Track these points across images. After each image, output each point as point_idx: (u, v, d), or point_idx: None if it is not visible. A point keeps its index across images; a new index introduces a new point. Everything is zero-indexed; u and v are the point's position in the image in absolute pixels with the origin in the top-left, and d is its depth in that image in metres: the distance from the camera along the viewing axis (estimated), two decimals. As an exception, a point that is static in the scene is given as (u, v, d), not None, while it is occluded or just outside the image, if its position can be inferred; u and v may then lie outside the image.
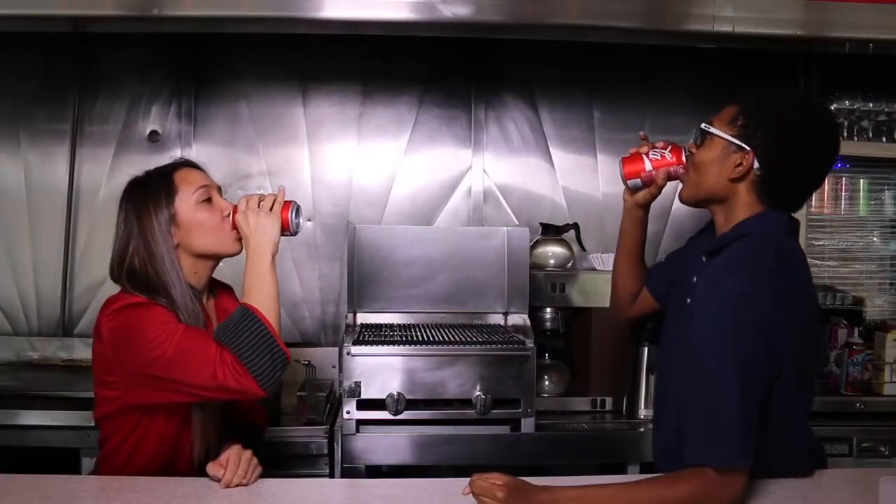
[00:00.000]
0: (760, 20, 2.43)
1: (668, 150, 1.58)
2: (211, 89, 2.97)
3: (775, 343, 1.34)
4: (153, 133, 2.95)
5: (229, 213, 1.64)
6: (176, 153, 2.94)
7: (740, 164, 1.41)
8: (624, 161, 1.63)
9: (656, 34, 2.57)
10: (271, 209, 1.59)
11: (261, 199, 1.62)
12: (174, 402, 1.54)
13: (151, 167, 2.98)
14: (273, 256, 1.58)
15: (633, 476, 1.51)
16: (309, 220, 2.96)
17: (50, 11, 2.34)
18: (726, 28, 2.42)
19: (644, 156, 1.60)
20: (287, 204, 1.63)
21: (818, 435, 2.37)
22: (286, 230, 1.62)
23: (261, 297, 1.54)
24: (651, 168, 1.59)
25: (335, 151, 3.01)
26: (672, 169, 1.57)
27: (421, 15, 2.39)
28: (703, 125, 1.46)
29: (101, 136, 2.94)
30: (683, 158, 1.56)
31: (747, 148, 1.40)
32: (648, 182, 1.61)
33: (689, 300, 1.48)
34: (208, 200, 1.64)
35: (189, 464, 1.64)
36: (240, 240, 1.64)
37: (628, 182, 1.63)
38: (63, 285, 2.89)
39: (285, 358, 1.52)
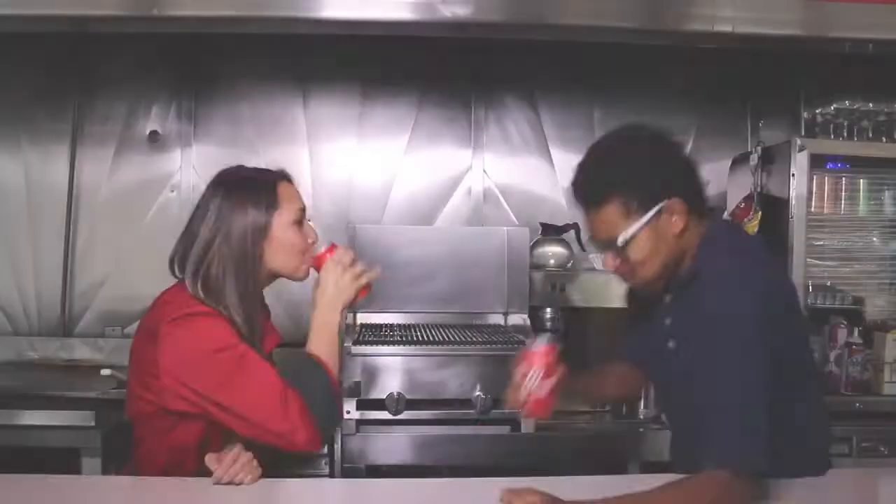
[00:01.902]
0: (760, 20, 2.43)
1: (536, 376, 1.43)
2: (211, 89, 2.97)
3: (780, 339, 1.34)
4: (153, 133, 2.95)
5: (314, 241, 1.63)
6: (176, 153, 2.95)
7: (674, 216, 1.37)
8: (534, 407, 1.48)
9: (656, 34, 2.57)
10: (359, 276, 1.58)
11: (354, 259, 1.60)
12: (212, 418, 1.50)
13: (152, 167, 3.00)
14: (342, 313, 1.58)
15: (641, 477, 1.50)
16: (309, 221, 2.95)
17: (50, 11, 2.34)
18: (726, 28, 2.42)
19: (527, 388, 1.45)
20: (369, 286, 1.62)
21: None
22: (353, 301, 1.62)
23: (331, 353, 1.54)
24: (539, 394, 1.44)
25: (335, 151, 3.02)
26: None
27: (421, 15, 2.39)
28: (618, 241, 1.37)
29: (102, 135, 2.94)
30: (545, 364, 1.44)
31: (664, 204, 1.36)
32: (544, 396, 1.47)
33: (671, 343, 1.46)
34: (299, 222, 1.62)
35: None
36: (309, 268, 1.63)
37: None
38: (63, 285, 2.89)
39: (339, 417, 1.57)
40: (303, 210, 1.63)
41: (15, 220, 2.91)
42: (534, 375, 1.37)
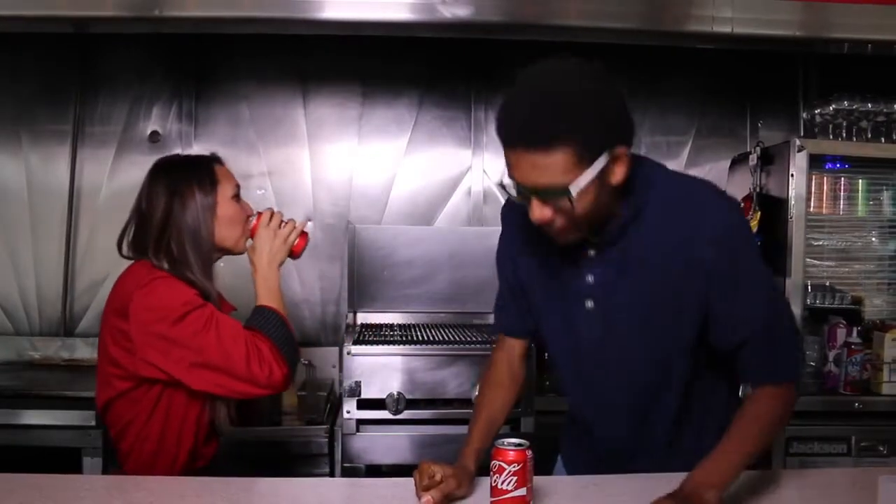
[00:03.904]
0: (759, 21, 2.44)
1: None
2: (212, 90, 2.98)
3: None
4: (154, 133, 2.96)
5: (252, 216, 1.74)
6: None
7: (618, 166, 1.23)
8: None
9: (656, 35, 2.58)
10: (289, 235, 1.72)
11: (282, 220, 1.74)
12: (185, 382, 1.56)
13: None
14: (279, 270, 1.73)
15: (643, 476, 1.49)
16: (309, 220, 2.97)
17: (51, 12, 2.35)
18: (725, 29, 2.42)
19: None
20: (304, 236, 1.76)
21: (817, 434, 2.41)
22: (293, 255, 1.76)
23: (278, 303, 1.69)
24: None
25: (335, 152, 3.02)
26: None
27: (421, 16, 2.40)
28: (571, 192, 1.18)
29: (102, 136, 2.95)
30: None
31: (613, 152, 1.21)
32: None
33: (589, 303, 1.37)
34: (237, 197, 1.73)
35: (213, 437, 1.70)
36: (247, 240, 1.74)
37: None
38: (64, 285, 2.90)
39: (298, 354, 1.68)
40: (238, 186, 1.74)
41: (16, 221, 2.92)
42: (508, 479, 1.30)
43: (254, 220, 1.74)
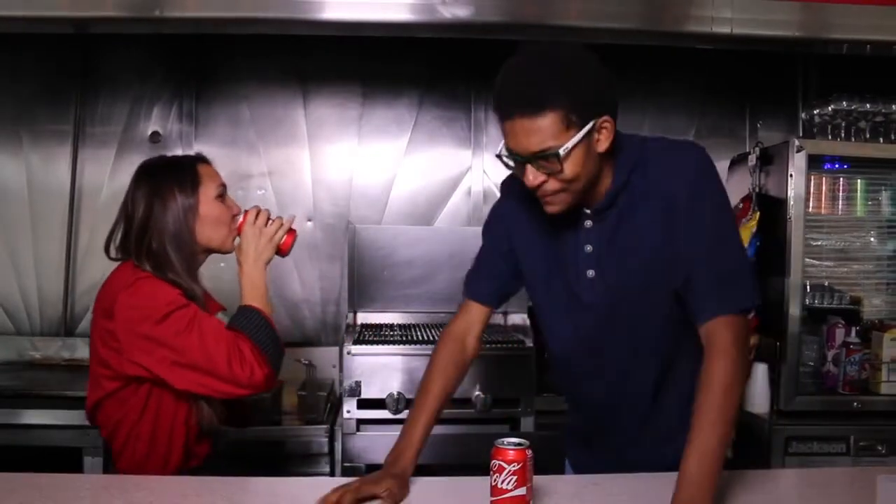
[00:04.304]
0: (758, 22, 2.45)
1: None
2: (212, 90, 2.99)
3: None
4: (154, 134, 2.96)
5: (238, 215, 1.74)
6: (178, 154, 2.95)
7: (603, 134, 1.33)
8: None
9: (655, 36, 2.58)
10: (275, 233, 1.71)
11: (268, 218, 1.73)
12: (168, 381, 1.57)
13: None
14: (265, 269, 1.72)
15: (645, 475, 1.49)
16: (309, 221, 2.98)
17: (52, 13, 2.36)
18: (724, 30, 2.43)
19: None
20: (292, 233, 1.75)
21: (816, 434, 2.42)
22: (281, 253, 1.75)
23: (263, 303, 1.69)
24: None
25: (335, 152, 3.03)
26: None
27: (421, 16, 2.40)
28: (560, 152, 1.28)
29: (103, 136, 2.96)
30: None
31: (598, 120, 1.31)
32: None
33: (590, 272, 1.44)
34: (222, 197, 1.72)
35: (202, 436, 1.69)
36: (235, 238, 1.74)
37: None
38: (65, 285, 2.91)
39: (282, 353, 1.67)
40: (223, 186, 1.74)
41: (17, 221, 2.92)
42: (508, 478, 1.30)
43: (240, 219, 1.73)
